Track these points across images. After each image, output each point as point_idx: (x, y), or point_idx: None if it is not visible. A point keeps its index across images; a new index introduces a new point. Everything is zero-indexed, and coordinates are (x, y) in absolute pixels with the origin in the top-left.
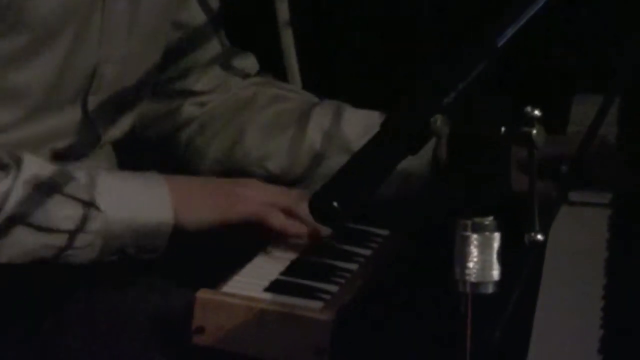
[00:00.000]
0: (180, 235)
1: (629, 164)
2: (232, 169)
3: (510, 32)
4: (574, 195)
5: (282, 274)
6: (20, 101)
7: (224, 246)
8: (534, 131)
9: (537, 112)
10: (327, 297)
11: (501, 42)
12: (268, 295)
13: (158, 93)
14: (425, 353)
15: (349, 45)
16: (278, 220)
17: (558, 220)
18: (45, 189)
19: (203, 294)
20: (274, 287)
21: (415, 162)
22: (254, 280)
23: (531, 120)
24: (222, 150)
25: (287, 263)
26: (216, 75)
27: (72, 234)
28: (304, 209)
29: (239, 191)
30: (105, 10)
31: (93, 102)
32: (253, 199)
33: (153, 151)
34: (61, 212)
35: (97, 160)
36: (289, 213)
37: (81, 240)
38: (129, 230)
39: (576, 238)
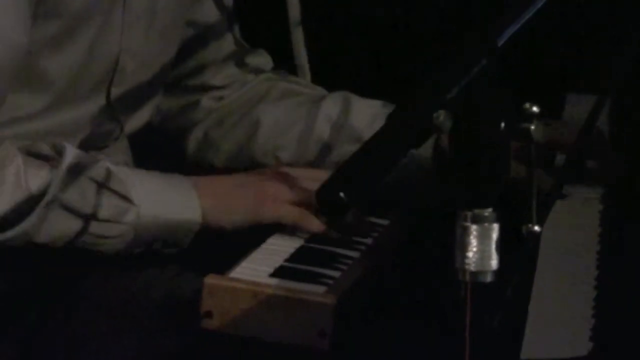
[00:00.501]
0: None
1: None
2: (245, 161)
3: (510, 31)
4: (567, 190)
5: (287, 260)
6: (48, 88)
7: (231, 234)
8: (533, 127)
9: (535, 109)
10: (330, 282)
11: (501, 42)
12: (273, 281)
13: (176, 88)
14: (424, 338)
15: (356, 42)
16: (312, 224)
17: (552, 213)
18: (86, 178)
19: (211, 280)
20: (279, 272)
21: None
22: (259, 267)
23: (530, 116)
24: (237, 142)
25: (292, 250)
26: (231, 71)
27: (106, 223)
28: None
29: (268, 189)
30: (126, 4)
31: (115, 93)
32: (283, 199)
33: (166, 145)
34: (99, 201)
35: (115, 152)
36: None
37: (115, 230)
38: (159, 225)
39: (569, 231)
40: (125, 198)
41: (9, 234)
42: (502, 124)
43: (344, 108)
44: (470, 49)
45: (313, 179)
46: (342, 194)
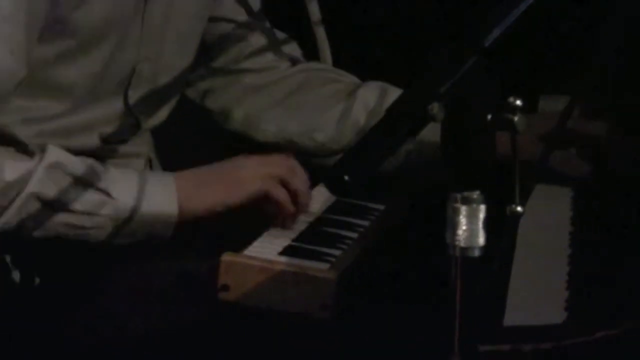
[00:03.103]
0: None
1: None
2: (284, 140)
3: (496, 32)
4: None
5: (294, 240)
6: (68, 93)
7: (243, 219)
8: (516, 118)
9: (518, 102)
10: (333, 260)
11: (488, 42)
12: (282, 258)
13: (217, 71)
14: (418, 308)
15: (374, 39)
16: (281, 193)
17: (530, 199)
18: (65, 174)
19: (227, 257)
20: (288, 251)
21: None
22: (270, 246)
23: (513, 109)
24: (277, 122)
25: (299, 231)
26: (269, 58)
27: (84, 215)
28: (298, 179)
29: (240, 173)
30: (145, 16)
31: (133, 95)
32: (254, 176)
33: (186, 139)
34: (76, 195)
35: (137, 145)
36: (285, 184)
37: (93, 221)
38: (138, 218)
39: (545, 214)
40: (103, 192)
41: None
42: (489, 116)
43: (380, 97)
44: (460, 49)
45: (281, 162)
46: (346, 177)
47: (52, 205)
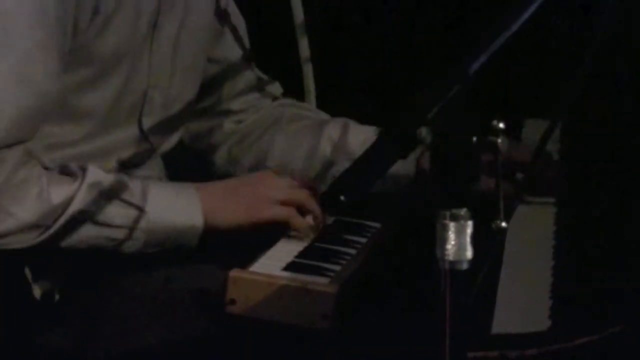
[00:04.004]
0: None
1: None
2: None
3: (481, 60)
4: (527, 197)
5: (297, 257)
6: (88, 119)
7: (249, 236)
8: (499, 140)
9: (501, 125)
10: (332, 274)
11: (473, 70)
12: (286, 274)
13: (203, 113)
14: (410, 318)
15: (356, 75)
16: (298, 221)
17: (516, 215)
18: (104, 192)
19: (235, 273)
20: (290, 267)
21: (402, 168)
22: (274, 262)
23: (497, 132)
24: (255, 158)
25: (300, 248)
26: (250, 98)
27: (123, 229)
28: (313, 203)
29: (262, 194)
30: (153, 47)
31: (146, 122)
32: (274, 201)
33: (194, 161)
34: (114, 211)
35: (151, 168)
36: (304, 210)
37: (128, 235)
38: (167, 229)
39: (530, 230)
40: (137, 207)
41: (38, 239)
42: (474, 138)
43: (343, 131)
44: (446, 76)
45: (297, 185)
46: (342, 197)
47: (93, 221)
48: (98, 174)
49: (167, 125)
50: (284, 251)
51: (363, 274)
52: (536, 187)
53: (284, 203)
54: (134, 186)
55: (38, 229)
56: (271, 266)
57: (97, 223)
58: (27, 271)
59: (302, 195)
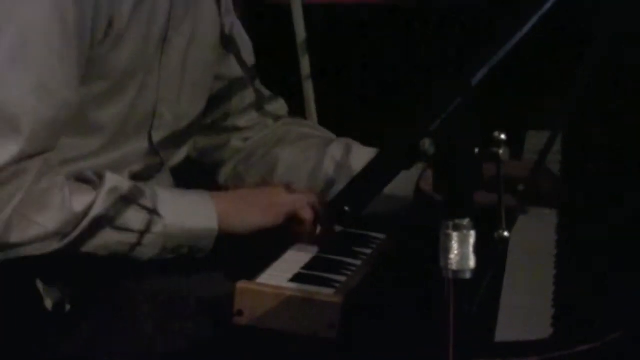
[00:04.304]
0: (229, 238)
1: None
2: None
3: (482, 73)
4: (527, 208)
5: (303, 268)
6: (100, 133)
7: (256, 247)
8: (501, 151)
9: (503, 136)
10: (338, 285)
11: (475, 82)
12: (292, 285)
13: (210, 130)
14: (415, 327)
15: (355, 93)
16: (308, 213)
17: (518, 225)
18: (122, 198)
19: (242, 284)
20: (297, 278)
21: (402, 189)
22: (281, 273)
23: (498, 143)
24: (260, 176)
25: (307, 260)
26: (254, 116)
27: (140, 233)
28: (322, 209)
29: (273, 199)
30: (163, 61)
31: (156, 136)
32: (285, 201)
33: (202, 175)
34: (132, 216)
35: (160, 182)
36: (312, 207)
37: (146, 239)
38: (183, 233)
39: (532, 239)
40: (154, 212)
41: (57, 246)
42: (476, 149)
43: (346, 152)
44: (449, 88)
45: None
46: (347, 207)
47: (112, 226)
48: (116, 180)
49: (176, 140)
50: (291, 263)
51: (368, 284)
52: (536, 198)
53: (293, 212)
54: (149, 192)
55: (59, 236)
56: (278, 277)
57: (115, 228)
58: (39, 283)
59: (310, 196)
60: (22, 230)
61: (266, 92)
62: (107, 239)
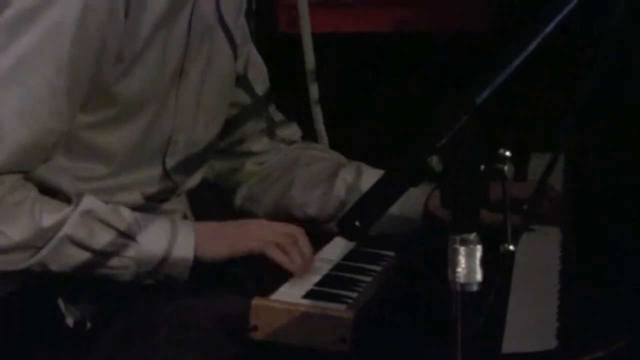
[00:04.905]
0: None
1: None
2: (280, 213)
3: (486, 93)
4: (532, 226)
5: (316, 285)
6: (111, 159)
7: (271, 265)
8: (506, 167)
9: (507, 153)
10: (349, 301)
11: (479, 101)
12: (305, 301)
13: (226, 153)
14: (423, 339)
15: (363, 116)
16: (274, 253)
17: (523, 242)
18: (96, 220)
19: (257, 301)
20: (310, 294)
21: (411, 210)
22: (294, 290)
23: (503, 160)
24: (273, 198)
25: (319, 277)
26: (270, 140)
27: (110, 256)
28: (301, 242)
29: (246, 230)
30: (180, 91)
31: (170, 162)
32: (255, 237)
33: (218, 197)
34: (104, 238)
35: (175, 203)
36: (283, 249)
37: (117, 262)
38: (157, 260)
39: (537, 255)
40: (129, 236)
41: (28, 262)
42: (482, 166)
43: (357, 175)
44: (454, 107)
45: (286, 232)
46: (357, 223)
47: (82, 246)
48: (92, 203)
49: (190, 165)
50: (303, 280)
51: (378, 300)
52: (539, 217)
53: (264, 240)
54: (128, 216)
55: (27, 250)
56: (291, 294)
57: (86, 249)
58: (61, 302)
59: (279, 237)
60: None
61: (280, 117)
62: (77, 259)
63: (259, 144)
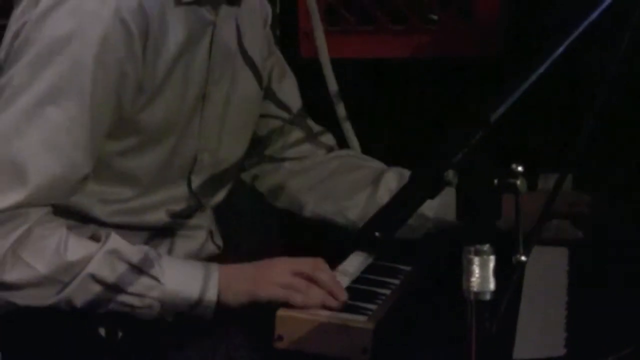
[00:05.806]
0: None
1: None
2: (322, 216)
3: (500, 111)
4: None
5: None
6: (137, 181)
7: None
8: (518, 182)
9: (520, 168)
10: (369, 312)
11: (493, 119)
12: (328, 313)
13: (265, 159)
14: (439, 348)
15: (379, 137)
16: (297, 300)
17: (532, 257)
18: (120, 260)
19: (282, 312)
20: None
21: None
22: None
23: (516, 174)
24: (315, 202)
25: None
26: (304, 148)
27: (135, 296)
28: (322, 276)
29: (265, 275)
30: (204, 114)
31: (195, 180)
32: (277, 283)
33: (244, 213)
34: (129, 278)
35: (200, 218)
36: (306, 287)
37: (142, 302)
38: (182, 302)
39: (546, 269)
40: (153, 277)
41: (55, 298)
42: (495, 180)
43: (401, 181)
44: (469, 124)
45: (308, 264)
46: (377, 233)
47: (107, 286)
48: (119, 243)
49: (215, 183)
50: None
51: (397, 312)
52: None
53: (285, 285)
54: (154, 257)
55: (54, 284)
56: None
57: (111, 288)
58: None
59: (301, 285)
60: (14, 269)
61: (315, 126)
62: (102, 297)
63: (294, 152)
